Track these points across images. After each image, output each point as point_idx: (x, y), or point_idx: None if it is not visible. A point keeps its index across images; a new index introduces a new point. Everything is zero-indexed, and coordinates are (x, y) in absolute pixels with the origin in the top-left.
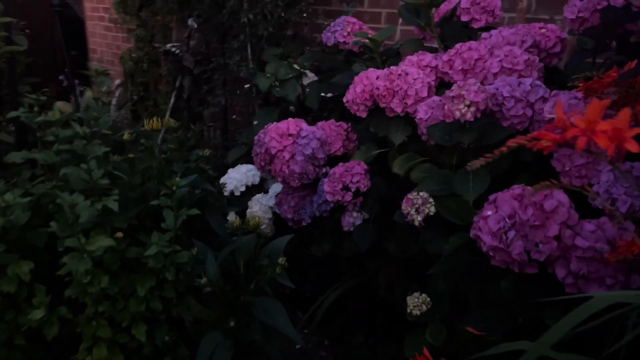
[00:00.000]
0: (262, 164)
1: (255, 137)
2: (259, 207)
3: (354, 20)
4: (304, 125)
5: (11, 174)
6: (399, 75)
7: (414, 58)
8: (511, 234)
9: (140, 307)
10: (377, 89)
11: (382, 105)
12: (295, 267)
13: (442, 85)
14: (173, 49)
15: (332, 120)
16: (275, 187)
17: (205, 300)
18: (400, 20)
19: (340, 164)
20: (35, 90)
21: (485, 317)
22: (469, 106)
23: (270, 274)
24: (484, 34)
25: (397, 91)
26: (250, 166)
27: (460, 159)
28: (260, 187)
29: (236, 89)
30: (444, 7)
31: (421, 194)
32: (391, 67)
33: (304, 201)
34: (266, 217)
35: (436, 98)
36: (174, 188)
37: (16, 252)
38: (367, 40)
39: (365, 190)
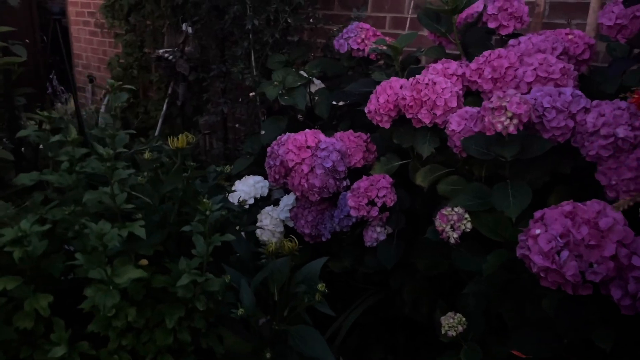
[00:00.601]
0: (277, 177)
1: (268, 149)
2: (270, 220)
3: (367, 26)
4: (322, 136)
5: (11, 195)
6: (427, 84)
7: (438, 66)
8: (564, 254)
9: (168, 340)
10: (404, 99)
11: (408, 116)
12: None
13: (467, 94)
14: (166, 55)
15: (351, 131)
16: (287, 199)
17: (236, 330)
18: (407, 25)
19: (365, 177)
20: (28, 99)
21: (527, 338)
22: (511, 118)
23: (308, 300)
24: (512, 41)
25: (425, 101)
26: (258, 177)
27: (490, 170)
28: (268, 199)
29: (238, 96)
30: (464, 14)
31: (456, 209)
32: (417, 76)
33: (323, 215)
34: (277, 231)
35: (468, 109)
36: (207, 212)
37: (30, 283)
38: (385, 47)
39: (391, 205)
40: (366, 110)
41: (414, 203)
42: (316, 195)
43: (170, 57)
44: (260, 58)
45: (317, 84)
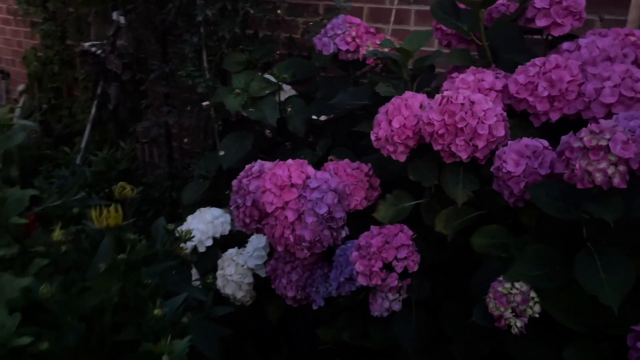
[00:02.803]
0: (247, 221)
1: (234, 183)
2: (235, 268)
3: (357, 20)
4: (310, 170)
5: None
6: (462, 105)
7: (468, 77)
8: None
9: None
10: (430, 124)
11: (436, 147)
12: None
13: (509, 115)
14: (93, 49)
15: (347, 162)
16: (257, 241)
17: None
18: (392, 19)
19: (375, 230)
20: None
21: None
22: (616, 165)
23: None
24: (567, 45)
25: (462, 129)
26: (217, 211)
27: (557, 225)
28: (231, 237)
29: (185, 104)
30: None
31: (517, 285)
32: (445, 92)
33: (313, 274)
34: (245, 283)
35: (528, 142)
36: (152, 323)
37: None
38: (387, 51)
39: (415, 269)
40: (373, 137)
41: (434, 254)
42: (305, 251)
43: (99, 51)
44: (214, 57)
45: (287, 91)
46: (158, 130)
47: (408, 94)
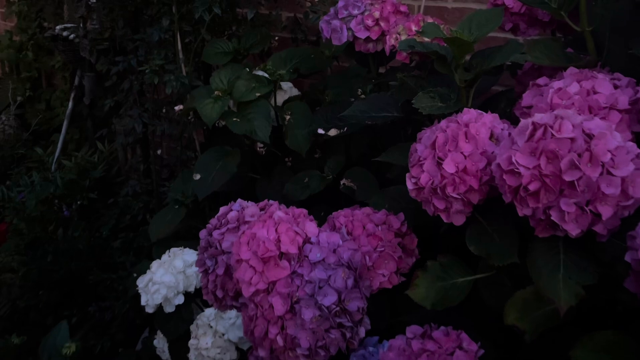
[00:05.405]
0: (219, 294)
1: (202, 234)
2: (213, 340)
3: None
4: (310, 228)
5: None
6: (572, 140)
7: (571, 87)
8: None
9: None
10: (513, 173)
11: (522, 211)
12: None
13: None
14: (65, 33)
15: (367, 212)
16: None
17: None
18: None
19: (416, 344)
20: None
21: None
22: None
23: None
24: None
25: (573, 183)
26: (192, 255)
27: None
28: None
29: (159, 105)
30: None
31: None
32: (537, 116)
33: None
34: (226, 357)
35: None
36: None
37: None
38: (427, 41)
39: None
40: (410, 185)
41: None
42: None
43: (72, 36)
44: (192, 46)
45: (287, 90)
46: (127, 138)
47: (469, 114)
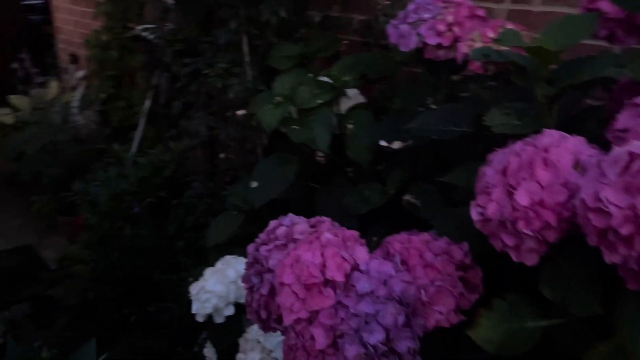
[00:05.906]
0: (264, 315)
1: (250, 249)
2: (260, 356)
3: None
4: (360, 253)
5: None
6: None
7: None
8: None
9: None
10: (601, 211)
11: (610, 258)
12: None
13: None
14: (144, 34)
15: (427, 236)
16: None
17: None
18: None
19: None
20: None
21: None
22: None
23: None
24: None
25: None
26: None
27: None
28: None
29: (227, 108)
30: None
31: None
32: (631, 140)
33: None
34: None
35: None
36: None
37: None
38: (505, 49)
39: None
40: (475, 215)
41: None
42: None
43: (151, 36)
44: (259, 49)
45: (352, 97)
46: (192, 140)
47: (550, 136)
